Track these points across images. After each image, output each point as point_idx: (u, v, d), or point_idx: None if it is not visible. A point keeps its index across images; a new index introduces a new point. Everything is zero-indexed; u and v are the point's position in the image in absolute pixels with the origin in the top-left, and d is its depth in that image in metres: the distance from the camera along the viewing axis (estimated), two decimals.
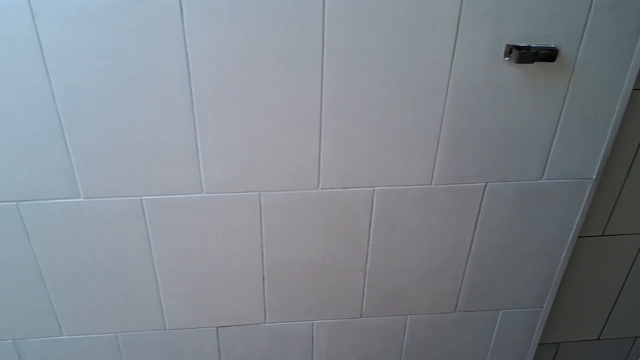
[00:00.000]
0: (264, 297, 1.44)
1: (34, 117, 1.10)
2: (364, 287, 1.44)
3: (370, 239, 1.34)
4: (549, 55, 1.10)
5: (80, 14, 1.01)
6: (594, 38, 1.12)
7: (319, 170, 1.22)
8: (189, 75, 1.08)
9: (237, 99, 1.11)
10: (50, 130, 1.12)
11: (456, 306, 1.53)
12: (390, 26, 1.06)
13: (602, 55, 1.14)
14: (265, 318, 1.48)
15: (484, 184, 1.30)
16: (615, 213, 1.44)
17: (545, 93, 1.18)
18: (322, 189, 1.24)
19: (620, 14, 1.10)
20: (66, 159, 1.16)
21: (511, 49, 1.09)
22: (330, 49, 1.07)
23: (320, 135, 1.17)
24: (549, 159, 1.27)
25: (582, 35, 1.12)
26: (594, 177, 1.32)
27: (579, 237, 1.46)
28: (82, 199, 1.22)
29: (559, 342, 1.73)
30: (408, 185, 1.26)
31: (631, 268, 1.57)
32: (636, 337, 1.76)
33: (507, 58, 1.11)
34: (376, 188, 1.26)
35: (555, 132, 1.23)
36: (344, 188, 1.25)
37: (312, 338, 1.54)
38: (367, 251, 1.37)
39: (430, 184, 1.27)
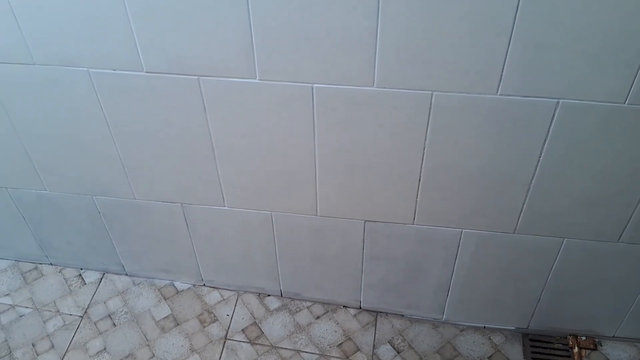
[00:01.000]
0: (417, 198, 1.43)
1: None
2: (523, 203, 1.37)
3: (542, 154, 1.26)
4: None
5: None
6: None
7: (502, 74, 1.13)
8: None
9: None
10: (236, 8, 1.13)
11: (620, 237, 1.42)
12: None
13: None
14: (414, 219, 1.48)
15: None
16: None
17: None
18: (501, 94, 1.16)
19: None
20: (248, 39, 1.17)
21: None
22: None
23: (510, 38, 1.07)
24: None
25: None
26: None
27: None
28: (258, 80, 1.25)
29: None
30: (598, 102, 1.14)
31: None
32: None
33: None
34: (561, 100, 1.15)
35: None
36: (524, 96, 1.16)
37: (458, 246, 1.53)
38: (536, 167, 1.29)
39: (624, 103, 1.14)
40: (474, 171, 1.33)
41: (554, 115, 1.18)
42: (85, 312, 1.84)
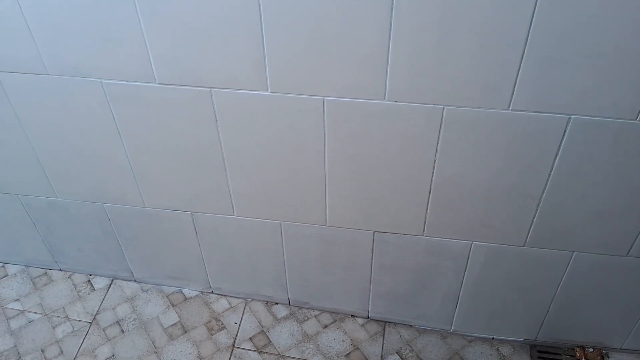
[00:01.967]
0: (427, 210, 1.43)
1: (234, 5, 1.12)
2: (534, 217, 1.37)
3: (553, 169, 1.26)
4: None
5: None
6: None
7: (514, 89, 1.13)
8: None
9: (436, 7, 1.04)
10: (249, 22, 1.13)
11: (629, 250, 1.42)
12: None
13: None
14: (423, 230, 1.48)
15: None
16: None
17: None
18: (512, 109, 1.17)
19: None
20: (260, 53, 1.18)
21: None
22: None
23: (523, 53, 1.08)
24: None
25: None
26: None
27: None
28: (269, 93, 1.26)
29: None
30: (610, 118, 1.14)
31: None
32: None
33: None
34: (573, 116, 1.15)
35: None
36: (536, 112, 1.16)
37: (468, 258, 1.53)
38: (547, 181, 1.29)
39: (635, 120, 1.14)
40: (484, 184, 1.33)
41: (565, 131, 1.18)
42: (94, 318, 1.85)
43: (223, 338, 1.79)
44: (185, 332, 1.81)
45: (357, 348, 1.76)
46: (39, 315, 1.86)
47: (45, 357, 1.75)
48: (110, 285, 1.94)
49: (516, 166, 1.28)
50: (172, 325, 1.83)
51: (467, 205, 1.39)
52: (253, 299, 1.89)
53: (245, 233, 1.64)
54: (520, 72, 1.10)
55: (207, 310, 1.87)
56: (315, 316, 1.85)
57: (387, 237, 1.54)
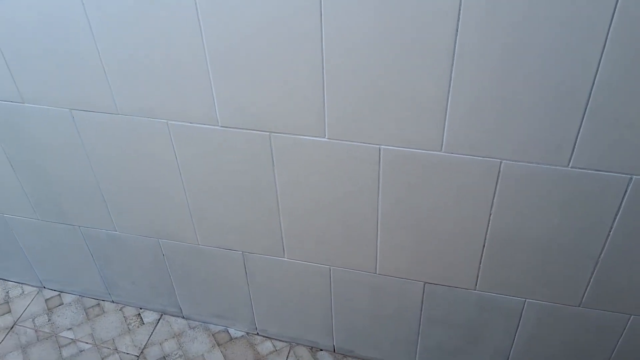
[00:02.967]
0: (480, 263, 1.41)
1: (298, 55, 1.16)
2: (591, 277, 1.33)
3: (613, 228, 1.23)
4: None
5: None
6: None
7: (574, 147, 1.12)
8: (457, 31, 1.04)
9: (498, 59, 1.06)
10: (311, 70, 1.17)
11: None
12: None
13: None
14: (476, 285, 1.46)
15: None
16: None
17: None
18: (572, 167, 1.15)
19: None
20: (320, 100, 1.21)
21: None
22: None
23: (585, 110, 1.07)
24: None
25: None
26: None
27: None
28: (327, 139, 1.28)
29: None
30: None
31: None
32: None
33: None
34: (634, 176, 1.13)
35: None
36: (596, 170, 1.14)
37: (520, 316, 1.49)
38: (605, 240, 1.25)
39: None
40: (540, 241, 1.31)
41: (626, 191, 1.15)
42: (142, 352, 1.88)
43: None
44: None
45: None
46: (90, 345, 1.90)
47: None
48: (159, 320, 1.97)
49: (574, 224, 1.25)
50: None
51: (521, 261, 1.36)
52: (298, 344, 1.88)
53: (294, 276, 1.65)
54: (581, 129, 1.09)
55: (252, 351, 1.87)
56: None
57: (437, 289, 1.52)
